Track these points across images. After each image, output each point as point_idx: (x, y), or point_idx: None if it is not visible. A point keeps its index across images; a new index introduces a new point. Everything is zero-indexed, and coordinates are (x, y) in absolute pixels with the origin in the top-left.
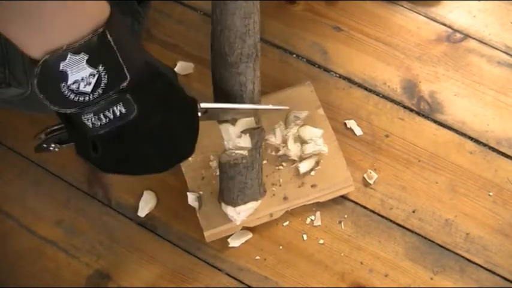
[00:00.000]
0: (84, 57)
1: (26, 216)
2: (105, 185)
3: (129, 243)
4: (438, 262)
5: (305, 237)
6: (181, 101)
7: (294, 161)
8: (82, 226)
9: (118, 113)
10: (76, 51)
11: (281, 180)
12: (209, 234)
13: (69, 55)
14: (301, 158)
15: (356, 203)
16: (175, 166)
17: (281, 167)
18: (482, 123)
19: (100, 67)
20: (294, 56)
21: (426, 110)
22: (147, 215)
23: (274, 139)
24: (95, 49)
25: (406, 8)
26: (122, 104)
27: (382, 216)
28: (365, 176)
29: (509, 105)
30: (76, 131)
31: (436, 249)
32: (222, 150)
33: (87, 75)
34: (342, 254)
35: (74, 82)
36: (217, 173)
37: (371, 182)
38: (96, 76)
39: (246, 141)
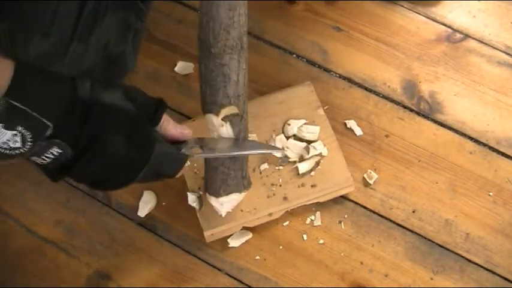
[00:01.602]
0: (0, 125)
1: (26, 216)
2: None
3: (129, 243)
4: (438, 262)
5: (305, 237)
6: (122, 124)
7: (294, 161)
8: (82, 226)
9: (56, 153)
10: None
11: (281, 180)
12: (209, 234)
13: None
14: (301, 158)
15: (356, 203)
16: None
17: (281, 167)
18: (482, 123)
19: (19, 128)
20: (294, 56)
21: (426, 110)
22: (147, 215)
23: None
24: (7, 116)
25: (406, 8)
26: (56, 147)
27: (382, 216)
28: (365, 176)
29: (509, 105)
30: (41, 171)
31: (436, 249)
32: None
33: (11, 137)
34: (342, 254)
35: (3, 143)
36: None
37: (371, 182)
38: (20, 135)
39: (228, 131)
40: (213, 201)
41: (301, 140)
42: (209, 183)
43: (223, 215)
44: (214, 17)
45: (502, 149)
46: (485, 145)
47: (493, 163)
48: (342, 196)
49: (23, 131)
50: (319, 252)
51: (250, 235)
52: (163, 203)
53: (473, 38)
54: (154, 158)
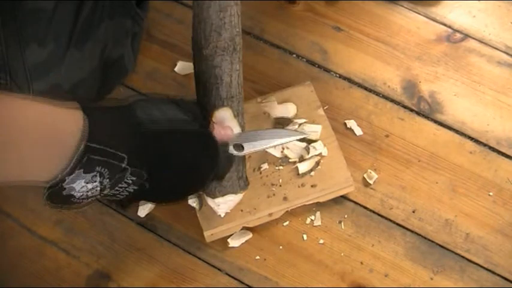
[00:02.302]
0: (79, 172)
1: (26, 216)
2: None
3: (129, 243)
4: (438, 262)
5: (305, 237)
6: (186, 134)
7: (294, 161)
8: (82, 226)
9: (131, 182)
10: (70, 172)
11: (281, 180)
12: (209, 234)
13: (66, 178)
14: (301, 158)
15: (356, 203)
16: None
17: (281, 167)
18: (482, 123)
19: (97, 168)
20: (294, 56)
21: (426, 110)
22: (147, 215)
23: (274, 150)
24: (87, 160)
25: (406, 8)
26: (130, 175)
27: (382, 216)
28: (365, 176)
29: (509, 105)
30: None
31: (436, 249)
32: None
33: (90, 179)
34: (342, 254)
35: (82, 189)
36: None
37: (371, 182)
38: (98, 174)
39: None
40: (210, 201)
41: (302, 139)
42: None
43: (222, 215)
44: (204, 18)
45: (502, 149)
46: (485, 145)
47: (493, 163)
48: (342, 196)
49: (101, 169)
50: (319, 252)
51: (250, 235)
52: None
53: (473, 38)
54: (219, 161)
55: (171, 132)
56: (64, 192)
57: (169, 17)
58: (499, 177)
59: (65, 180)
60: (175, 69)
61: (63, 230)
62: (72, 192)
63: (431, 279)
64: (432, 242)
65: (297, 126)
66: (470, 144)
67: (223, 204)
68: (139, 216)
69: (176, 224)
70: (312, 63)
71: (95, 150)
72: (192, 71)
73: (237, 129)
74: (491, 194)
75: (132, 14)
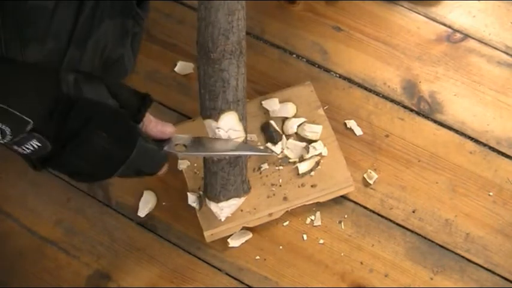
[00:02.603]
0: None
1: (26, 216)
2: (105, 185)
3: (129, 243)
4: (438, 262)
5: (305, 237)
6: (103, 120)
7: (294, 162)
8: (82, 226)
9: (36, 146)
10: None
11: (281, 180)
12: (209, 234)
13: None
14: (301, 158)
15: (356, 203)
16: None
17: (281, 167)
18: (482, 123)
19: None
20: (294, 56)
21: (426, 110)
22: (147, 215)
23: (274, 148)
24: None
25: (406, 8)
26: (35, 141)
27: (382, 216)
28: (365, 176)
29: (509, 105)
30: (24, 159)
31: (436, 249)
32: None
33: None
34: (342, 254)
35: None
36: None
37: (371, 182)
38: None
39: (226, 136)
40: (213, 206)
41: (302, 139)
42: (209, 189)
43: (223, 219)
44: (213, 22)
45: (502, 149)
46: (485, 145)
47: (493, 163)
48: (342, 196)
49: (2, 127)
50: (319, 252)
51: (250, 235)
52: (163, 203)
53: (473, 38)
54: (135, 155)
55: (90, 114)
56: None
57: (169, 17)
58: (499, 177)
59: None
60: (175, 69)
61: (63, 230)
62: None
63: (431, 279)
64: (432, 242)
65: (296, 127)
66: (470, 144)
67: (226, 208)
68: (139, 216)
69: (176, 224)
70: (312, 63)
71: None
72: (192, 71)
73: (242, 133)
74: (491, 194)
75: (132, 14)
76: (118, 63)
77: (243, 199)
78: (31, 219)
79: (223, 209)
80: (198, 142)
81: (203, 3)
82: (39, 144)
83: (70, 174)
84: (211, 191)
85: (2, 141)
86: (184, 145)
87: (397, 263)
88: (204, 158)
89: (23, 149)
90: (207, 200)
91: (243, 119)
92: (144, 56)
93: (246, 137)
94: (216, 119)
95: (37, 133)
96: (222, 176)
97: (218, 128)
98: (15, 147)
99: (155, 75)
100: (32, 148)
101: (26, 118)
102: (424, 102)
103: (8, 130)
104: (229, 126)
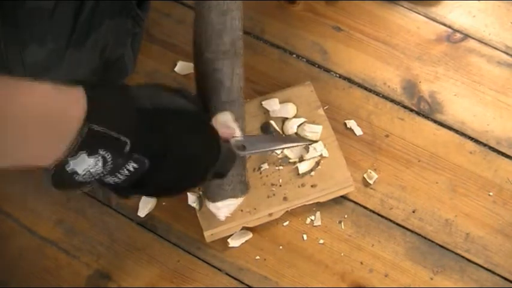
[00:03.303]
0: (83, 154)
1: (26, 217)
2: None
3: (129, 243)
4: (438, 262)
5: (305, 237)
6: (191, 124)
7: (294, 162)
8: (82, 226)
9: (132, 169)
10: (75, 154)
11: (281, 180)
12: (209, 234)
13: (70, 161)
14: (301, 158)
15: (356, 203)
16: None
17: (281, 167)
18: (482, 123)
19: (100, 151)
20: (294, 56)
21: (426, 110)
22: (147, 215)
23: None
24: (89, 143)
25: (406, 8)
26: (132, 163)
27: (382, 216)
28: (365, 176)
29: (509, 105)
30: (111, 191)
31: (436, 249)
32: None
33: (93, 163)
34: (342, 254)
35: (84, 171)
36: None
37: (371, 182)
38: (101, 158)
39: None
40: (211, 206)
41: (302, 139)
42: (206, 188)
43: (222, 219)
44: (206, 21)
45: (502, 149)
46: (485, 145)
47: (493, 163)
48: (342, 196)
49: (104, 153)
50: (319, 252)
51: (250, 235)
52: (163, 203)
53: (473, 38)
54: (222, 155)
55: (177, 121)
56: (67, 176)
57: (169, 17)
58: (499, 177)
59: (68, 163)
60: (175, 69)
61: (63, 230)
62: (75, 176)
63: (431, 279)
64: (432, 242)
65: (296, 127)
66: (470, 144)
67: (223, 208)
68: (139, 216)
69: (176, 224)
70: (312, 63)
71: (97, 133)
72: (192, 71)
73: (237, 133)
74: (491, 194)
75: (132, 15)
76: (118, 63)
77: (240, 200)
78: (31, 219)
79: (220, 208)
80: (252, 140)
81: (198, 2)
82: (135, 166)
83: (165, 191)
84: (208, 190)
85: (102, 173)
86: (243, 145)
87: (397, 263)
88: None
89: (118, 177)
90: (205, 199)
91: (239, 119)
92: (144, 56)
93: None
94: (210, 119)
95: (134, 153)
96: None
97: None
98: (109, 179)
99: (155, 75)
100: (127, 173)
101: (123, 139)
102: (424, 102)
103: (109, 156)
104: (223, 126)
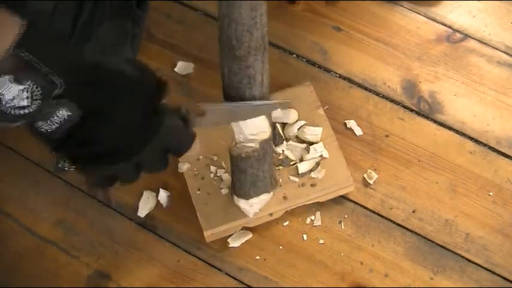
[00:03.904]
0: (7, 77)
1: (26, 216)
2: None
3: (129, 243)
4: (438, 262)
5: (305, 237)
6: (130, 89)
7: (294, 162)
8: (82, 226)
9: (66, 117)
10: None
11: (281, 180)
12: (209, 234)
13: None
14: (301, 158)
15: (356, 203)
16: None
17: (281, 167)
18: (482, 123)
19: (28, 82)
20: (294, 56)
21: (426, 110)
22: (147, 215)
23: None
24: (15, 68)
25: (406, 8)
26: (64, 109)
27: (382, 216)
28: (365, 176)
29: (509, 105)
30: (45, 143)
31: (436, 249)
32: (232, 143)
33: (18, 92)
34: (342, 254)
35: (9, 100)
36: (218, 174)
37: (371, 182)
38: (28, 90)
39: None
40: (242, 203)
41: (303, 141)
42: (238, 186)
43: (251, 216)
44: (236, 19)
45: (502, 149)
46: (485, 145)
47: (493, 163)
48: (342, 196)
49: (32, 85)
50: (319, 252)
51: (250, 235)
52: (164, 204)
53: (473, 38)
54: (164, 129)
55: (115, 80)
56: None
57: (169, 17)
58: (499, 177)
59: None
60: (175, 69)
61: (63, 230)
62: (1, 103)
63: (431, 279)
64: (432, 242)
65: (296, 130)
66: (470, 144)
67: (256, 204)
68: (139, 216)
69: (176, 224)
70: (312, 63)
71: (27, 61)
72: (192, 71)
73: (268, 128)
74: (491, 194)
75: (132, 15)
76: None
77: (272, 194)
78: (31, 219)
79: (253, 205)
80: (215, 109)
81: None
82: (68, 113)
83: (98, 158)
84: (241, 188)
85: (29, 109)
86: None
87: (397, 263)
88: (231, 155)
89: (50, 124)
90: (235, 198)
91: (268, 115)
92: (144, 56)
93: (270, 134)
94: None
95: (66, 98)
96: (252, 172)
97: (245, 124)
98: (41, 123)
99: None
100: (59, 120)
101: (55, 78)
102: (424, 102)
103: (37, 91)
104: (255, 123)
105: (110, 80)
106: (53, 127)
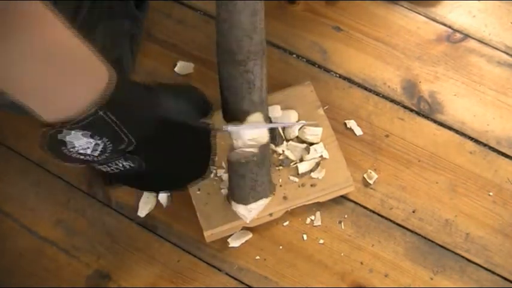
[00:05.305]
0: (87, 133)
1: (26, 216)
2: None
3: (129, 243)
4: (438, 262)
5: (305, 237)
6: (195, 137)
7: (294, 162)
8: (82, 226)
9: (128, 167)
10: (79, 129)
11: (281, 180)
12: (209, 234)
13: (73, 132)
14: (301, 159)
15: (356, 203)
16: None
17: (281, 167)
18: (482, 123)
19: (104, 139)
20: (294, 56)
21: (426, 110)
22: (147, 215)
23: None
24: (98, 127)
25: (406, 8)
26: (130, 161)
27: (382, 216)
28: (365, 176)
29: (509, 105)
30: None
31: (436, 249)
32: (230, 148)
33: (93, 144)
34: (342, 254)
35: (81, 148)
36: (218, 174)
37: (371, 182)
38: (102, 145)
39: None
40: (241, 209)
41: (303, 141)
42: (236, 191)
43: (248, 221)
44: (236, 24)
45: (502, 149)
46: (485, 145)
47: (493, 163)
48: (342, 196)
49: (107, 142)
50: (319, 253)
51: (250, 235)
52: (164, 205)
53: (473, 38)
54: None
55: (181, 128)
56: (63, 144)
57: (169, 17)
58: (499, 177)
59: (71, 133)
60: (175, 69)
61: (63, 230)
62: (72, 146)
63: (431, 279)
64: (432, 242)
65: (297, 130)
66: (470, 144)
67: (255, 209)
68: (139, 216)
69: (176, 224)
70: (312, 63)
71: (109, 122)
72: (192, 71)
73: (266, 132)
74: (491, 194)
75: (131, 15)
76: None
77: (270, 198)
78: (31, 219)
79: (252, 210)
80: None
81: (224, 4)
82: (131, 165)
83: (152, 189)
84: (239, 194)
85: (96, 158)
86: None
87: (397, 263)
88: (229, 161)
89: (111, 169)
90: (233, 204)
91: (266, 119)
92: (144, 56)
93: (269, 138)
94: (242, 121)
95: (135, 155)
96: (251, 177)
97: (244, 129)
98: (101, 166)
99: (155, 75)
100: (121, 168)
101: (132, 139)
102: (424, 102)
103: (109, 147)
104: (254, 127)
105: (174, 134)
106: (113, 171)
